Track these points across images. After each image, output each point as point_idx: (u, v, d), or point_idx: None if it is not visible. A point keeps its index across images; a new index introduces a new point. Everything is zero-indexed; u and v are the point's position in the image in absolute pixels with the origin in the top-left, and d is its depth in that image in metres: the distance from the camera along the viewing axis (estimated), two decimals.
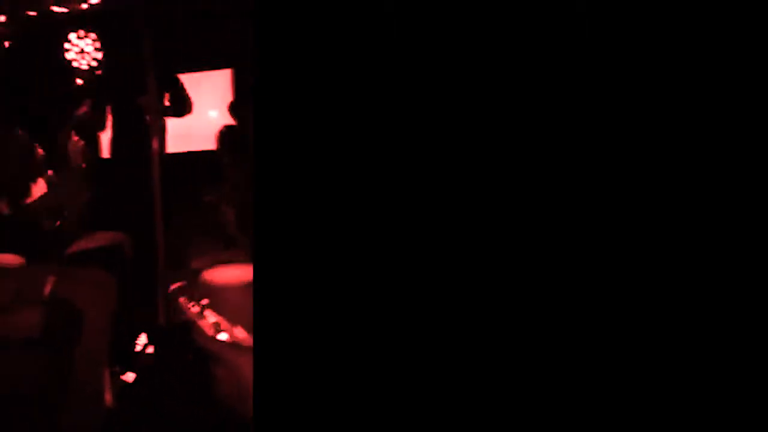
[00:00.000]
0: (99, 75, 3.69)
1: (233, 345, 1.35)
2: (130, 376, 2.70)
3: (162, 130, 3.55)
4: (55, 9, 3.50)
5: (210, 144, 3.76)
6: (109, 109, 3.62)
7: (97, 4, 3.30)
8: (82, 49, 3.67)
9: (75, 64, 3.75)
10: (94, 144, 3.93)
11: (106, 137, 3.97)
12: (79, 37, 3.66)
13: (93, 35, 3.64)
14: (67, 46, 3.77)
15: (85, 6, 3.42)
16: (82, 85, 3.83)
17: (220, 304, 1.43)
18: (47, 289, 2.27)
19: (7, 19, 3.21)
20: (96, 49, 3.65)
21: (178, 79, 3.50)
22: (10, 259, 2.58)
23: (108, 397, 2.54)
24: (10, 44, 3.46)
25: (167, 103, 3.48)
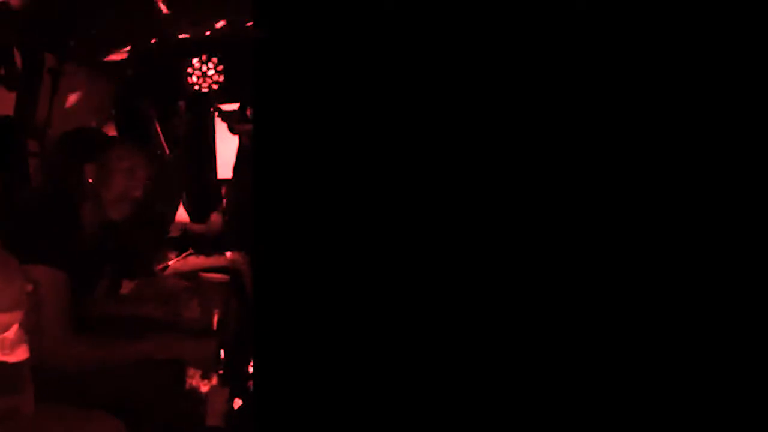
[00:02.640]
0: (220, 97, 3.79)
1: None
2: (237, 402, 2.68)
3: None
4: (179, 35, 3.62)
5: None
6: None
7: (220, 29, 3.38)
8: (204, 73, 3.77)
9: (196, 88, 3.85)
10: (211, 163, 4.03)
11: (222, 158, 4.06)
12: (201, 62, 3.76)
13: (215, 59, 3.73)
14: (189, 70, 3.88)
15: (208, 33, 3.50)
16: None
17: None
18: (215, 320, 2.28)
19: (131, 48, 3.34)
20: (218, 73, 3.75)
21: None
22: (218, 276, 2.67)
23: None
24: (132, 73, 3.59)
25: None
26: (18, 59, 2.89)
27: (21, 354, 1.12)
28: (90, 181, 1.95)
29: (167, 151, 3.56)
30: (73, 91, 3.16)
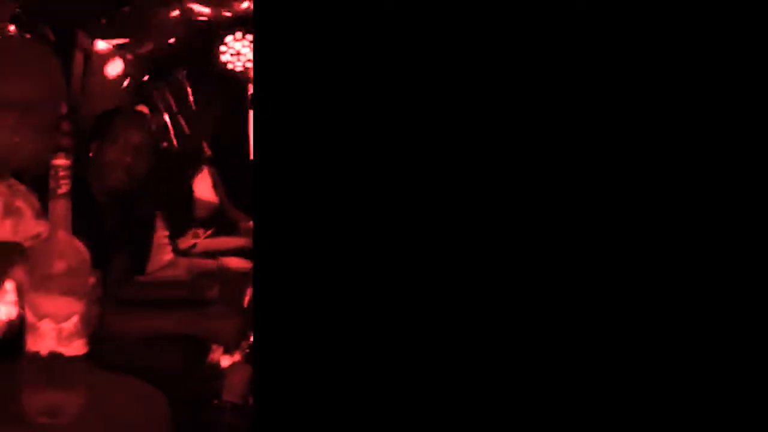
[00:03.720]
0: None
1: None
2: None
3: None
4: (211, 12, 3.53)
5: None
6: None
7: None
8: (237, 51, 3.68)
9: (230, 66, 3.78)
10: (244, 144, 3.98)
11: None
12: (235, 39, 3.68)
13: (250, 37, 3.64)
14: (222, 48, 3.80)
15: (245, 5, 3.39)
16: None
17: None
18: (246, 299, 2.27)
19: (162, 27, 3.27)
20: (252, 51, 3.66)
21: None
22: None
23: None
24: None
25: None
26: (50, 36, 2.85)
27: (78, 348, 1.07)
28: (90, 155, 2.11)
29: (186, 130, 3.48)
30: (104, 69, 3.12)
